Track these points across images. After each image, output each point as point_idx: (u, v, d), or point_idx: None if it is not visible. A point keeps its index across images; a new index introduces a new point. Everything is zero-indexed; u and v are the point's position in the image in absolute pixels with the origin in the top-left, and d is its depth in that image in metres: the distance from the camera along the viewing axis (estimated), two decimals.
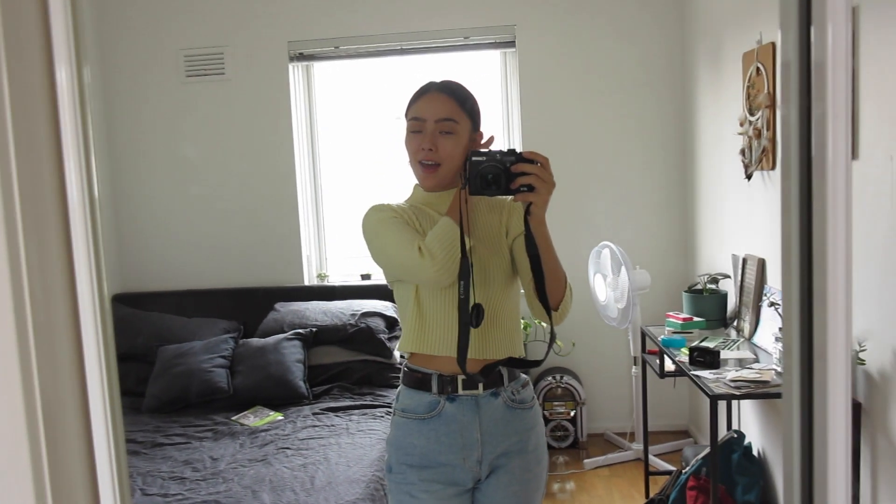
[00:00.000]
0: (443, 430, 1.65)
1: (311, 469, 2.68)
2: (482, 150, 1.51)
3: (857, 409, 2.26)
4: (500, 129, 4.29)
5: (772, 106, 2.80)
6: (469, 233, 1.59)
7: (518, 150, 1.48)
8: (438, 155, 1.61)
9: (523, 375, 1.74)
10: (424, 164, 1.63)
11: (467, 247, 1.53)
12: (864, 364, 2.25)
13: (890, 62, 2.09)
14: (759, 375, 2.39)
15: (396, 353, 3.73)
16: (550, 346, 1.55)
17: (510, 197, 1.61)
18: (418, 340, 1.66)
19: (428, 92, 1.66)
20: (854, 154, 2.26)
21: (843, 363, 0.77)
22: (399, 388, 1.76)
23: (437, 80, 1.71)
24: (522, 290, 1.69)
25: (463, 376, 1.63)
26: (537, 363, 1.66)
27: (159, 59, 4.25)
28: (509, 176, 1.45)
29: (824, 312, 0.76)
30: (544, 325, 1.73)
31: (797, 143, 0.74)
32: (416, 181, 1.75)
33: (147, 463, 2.85)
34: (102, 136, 4.28)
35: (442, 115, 1.62)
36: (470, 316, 1.53)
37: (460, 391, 1.65)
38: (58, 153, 0.79)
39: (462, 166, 1.57)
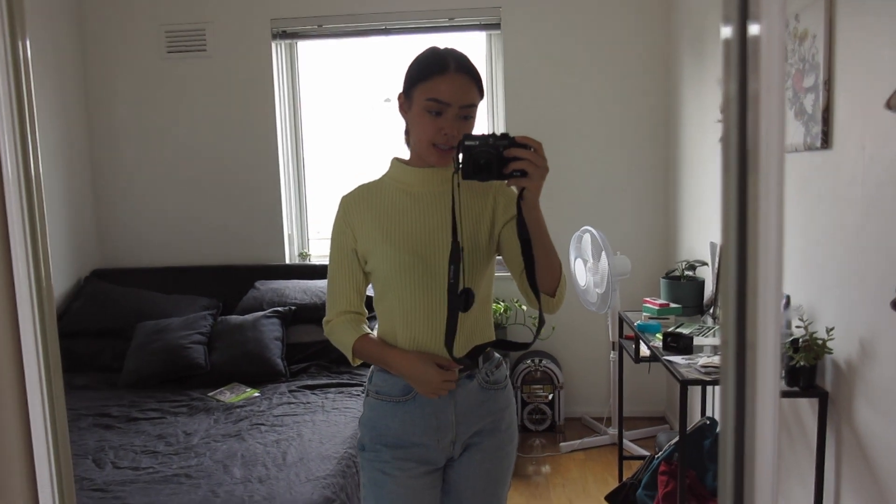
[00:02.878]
0: (417, 413, 1.65)
1: (283, 445, 2.69)
2: (475, 134, 1.48)
3: (823, 398, 2.28)
4: (485, 112, 4.28)
5: None
6: (460, 218, 1.58)
7: (511, 135, 1.45)
8: (456, 139, 1.55)
9: (496, 355, 1.75)
10: (440, 147, 1.57)
11: (458, 233, 1.51)
12: (831, 353, 2.27)
13: (864, 53, 2.09)
14: None
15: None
16: (539, 331, 1.53)
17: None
18: (403, 334, 1.65)
19: (447, 71, 1.54)
20: (827, 143, 2.27)
21: (773, 354, 0.78)
22: (371, 367, 1.75)
23: (443, 49, 1.60)
24: (511, 276, 1.67)
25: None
26: (526, 346, 1.64)
27: (140, 35, 4.21)
28: (502, 161, 1.42)
29: (755, 302, 0.77)
30: (524, 309, 1.69)
31: (735, 124, 0.74)
32: (401, 156, 1.71)
33: (120, 437, 2.85)
34: (81, 111, 4.25)
35: (466, 101, 1.56)
36: (459, 300, 1.51)
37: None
38: None
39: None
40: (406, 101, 1.62)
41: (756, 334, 0.77)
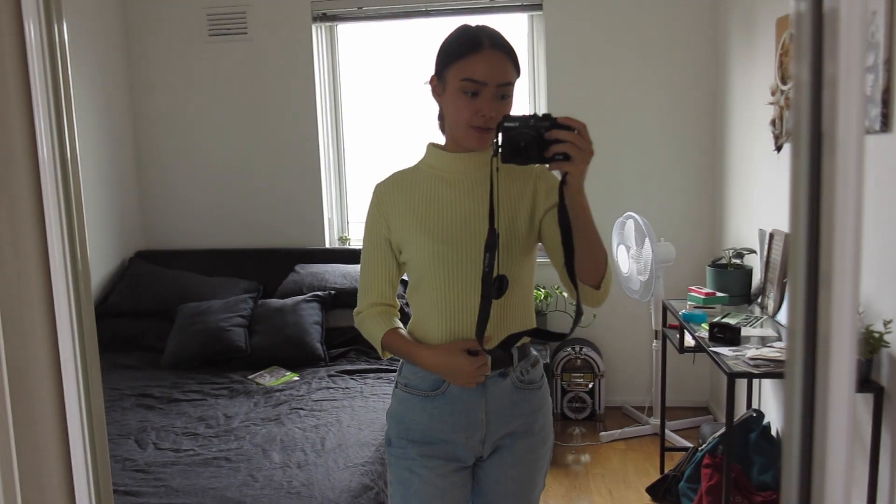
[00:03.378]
0: (446, 409, 1.58)
1: (322, 430, 2.69)
2: (515, 115, 1.39)
3: (879, 394, 2.20)
4: (526, 95, 4.21)
5: None
6: (498, 204, 1.52)
7: (553, 116, 1.35)
8: (495, 120, 1.48)
9: (534, 353, 1.67)
10: (478, 128, 1.50)
11: (496, 220, 1.45)
12: (888, 346, 2.18)
13: None
14: (779, 354, 2.33)
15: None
16: (576, 322, 1.46)
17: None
18: (438, 324, 1.58)
19: (481, 49, 1.47)
20: (887, 126, 2.17)
21: (848, 349, 0.73)
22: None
23: (475, 26, 1.54)
24: (553, 265, 1.58)
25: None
26: (562, 336, 1.57)
27: (182, 19, 4.22)
28: (543, 143, 1.34)
29: (829, 295, 0.71)
30: (565, 296, 1.62)
31: (808, 107, 0.69)
32: (438, 141, 1.65)
33: (162, 418, 2.88)
34: (124, 95, 4.28)
35: (503, 79, 1.48)
36: (492, 287, 1.45)
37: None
38: (28, 112, 0.76)
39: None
40: (439, 83, 1.55)
41: (830, 326, 0.71)
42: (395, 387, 1.67)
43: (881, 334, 2.16)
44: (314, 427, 2.72)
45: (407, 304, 2.30)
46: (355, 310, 1.67)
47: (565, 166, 1.34)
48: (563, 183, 1.37)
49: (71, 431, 0.79)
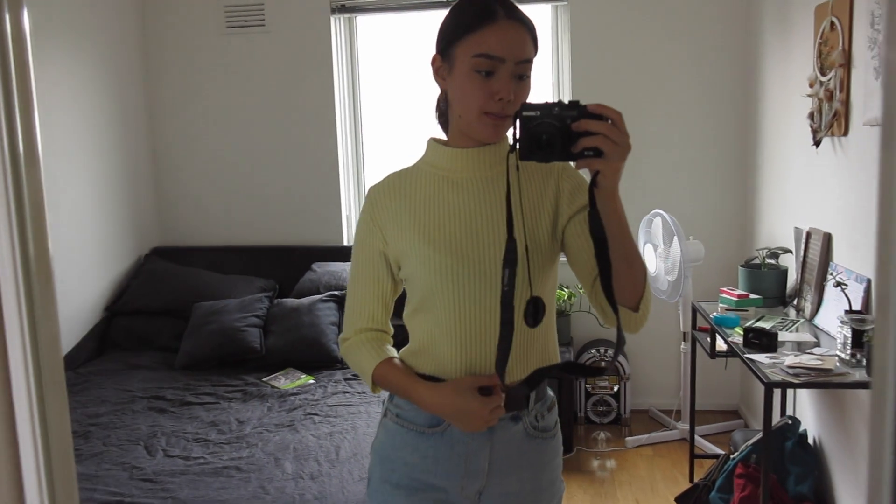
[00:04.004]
0: (444, 451, 1.33)
1: (337, 438, 2.59)
2: (535, 102, 1.14)
3: None
4: (550, 88, 4.08)
5: (846, 65, 2.53)
6: (518, 209, 1.29)
7: (582, 103, 1.13)
8: (514, 105, 1.23)
9: (550, 393, 1.43)
10: (494, 115, 1.25)
11: (515, 232, 1.22)
12: None
13: None
14: (820, 362, 2.19)
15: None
16: (617, 352, 1.23)
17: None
18: (449, 355, 1.32)
19: (496, 19, 1.23)
20: None
21: None
22: None
23: None
24: (579, 282, 1.35)
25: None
26: (601, 371, 1.33)
27: (200, 10, 4.13)
28: (570, 136, 1.11)
29: None
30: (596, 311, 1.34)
31: None
32: (442, 136, 1.40)
33: (174, 422, 2.79)
34: (140, 89, 4.21)
35: (522, 55, 1.24)
36: (525, 311, 1.22)
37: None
38: None
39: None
40: (444, 63, 1.30)
41: None
42: (384, 415, 1.41)
43: None
44: (329, 435, 2.62)
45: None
46: (341, 336, 1.42)
47: (597, 164, 1.11)
48: (593, 184, 1.14)
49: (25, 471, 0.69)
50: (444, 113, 1.39)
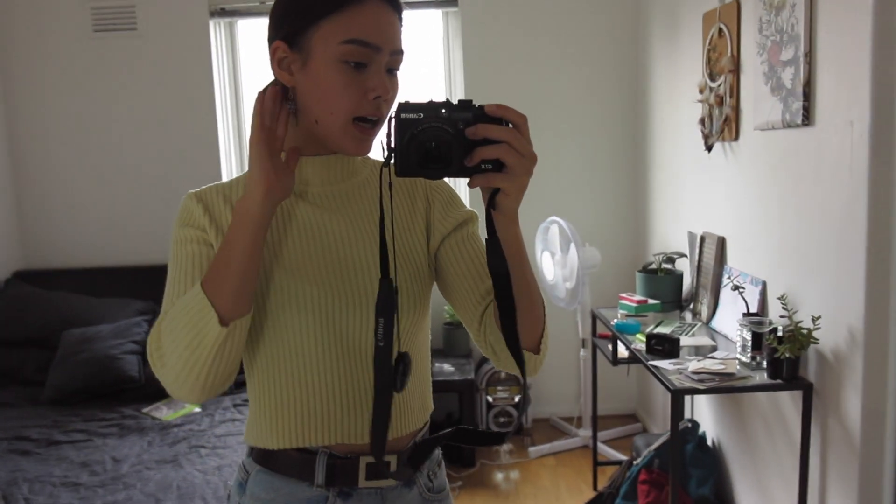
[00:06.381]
0: None
1: (226, 472, 2.38)
2: (415, 101, 0.88)
3: (808, 390, 2.12)
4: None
5: (735, 70, 2.57)
6: (393, 239, 1.05)
7: (477, 103, 0.88)
8: (388, 107, 1.01)
9: (437, 449, 1.18)
10: (366, 120, 1.00)
11: (390, 265, 0.97)
12: (817, 343, 2.08)
13: (848, 21, 1.90)
14: (723, 367, 2.18)
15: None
16: (524, 407, 1.03)
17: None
18: (300, 424, 1.05)
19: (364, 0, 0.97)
20: (808, 120, 2.10)
21: None
22: (244, 462, 1.13)
23: None
24: (459, 315, 1.11)
25: (369, 458, 1.06)
26: (501, 439, 1.08)
27: (63, 12, 3.80)
28: (464, 145, 0.86)
29: None
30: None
31: None
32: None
33: (38, 465, 2.50)
34: None
35: (398, 44, 1.01)
36: (394, 373, 0.97)
37: (361, 482, 1.06)
38: None
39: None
40: (293, 52, 1.00)
41: None
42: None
43: (810, 330, 2.06)
44: (216, 469, 2.40)
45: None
46: (151, 337, 1.01)
47: (498, 180, 0.87)
48: (491, 206, 0.91)
49: None
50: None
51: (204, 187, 1.09)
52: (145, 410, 2.98)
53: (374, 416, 0.97)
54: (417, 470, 1.12)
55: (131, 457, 2.54)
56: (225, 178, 3.86)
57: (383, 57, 0.99)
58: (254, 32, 3.99)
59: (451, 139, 0.86)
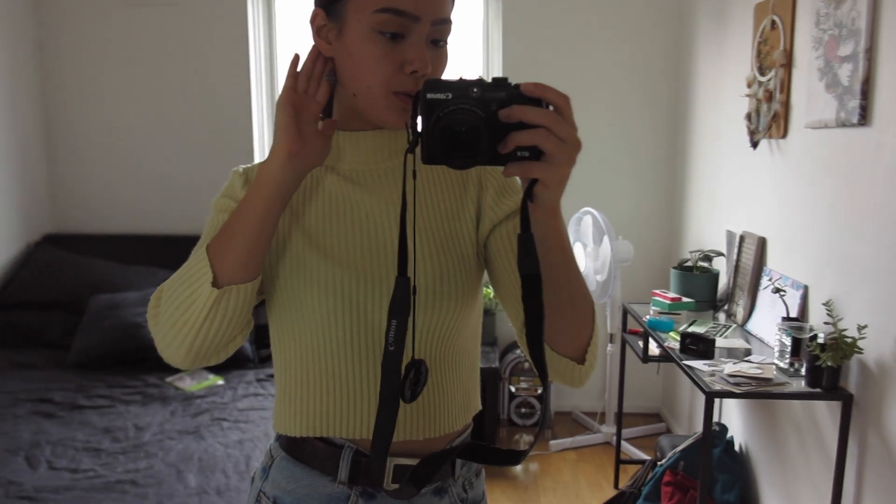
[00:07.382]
0: None
1: (247, 447, 2.37)
2: (444, 79, 0.78)
3: (847, 401, 2.04)
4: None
5: (787, 65, 2.48)
6: (415, 230, 0.96)
7: (513, 82, 0.77)
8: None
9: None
10: (404, 94, 0.92)
11: (409, 259, 0.88)
12: (861, 353, 2.00)
13: None
14: (760, 371, 2.12)
15: None
16: (541, 427, 0.99)
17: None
18: (315, 412, 0.99)
19: None
20: (865, 119, 2.01)
21: None
22: (270, 446, 1.08)
23: None
24: (507, 313, 1.03)
25: (398, 460, 1.00)
26: (517, 458, 0.93)
27: None
28: (498, 129, 0.76)
29: None
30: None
31: None
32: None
33: (61, 429, 2.50)
34: (34, 63, 3.83)
35: (442, 12, 0.91)
36: (402, 383, 0.89)
37: (387, 485, 0.99)
38: None
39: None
40: (330, 22, 0.94)
41: None
42: (258, 500, 1.06)
43: (854, 340, 1.99)
44: (238, 442, 2.39)
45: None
46: (150, 308, 0.98)
47: (536, 170, 0.76)
48: (527, 198, 0.79)
49: None
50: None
51: (253, 164, 1.04)
52: (169, 380, 2.97)
53: (376, 427, 0.87)
54: (441, 475, 1.04)
55: (153, 425, 2.53)
56: (256, 153, 3.86)
57: (424, 27, 0.90)
58: (289, 4, 3.94)
59: (481, 124, 0.75)
